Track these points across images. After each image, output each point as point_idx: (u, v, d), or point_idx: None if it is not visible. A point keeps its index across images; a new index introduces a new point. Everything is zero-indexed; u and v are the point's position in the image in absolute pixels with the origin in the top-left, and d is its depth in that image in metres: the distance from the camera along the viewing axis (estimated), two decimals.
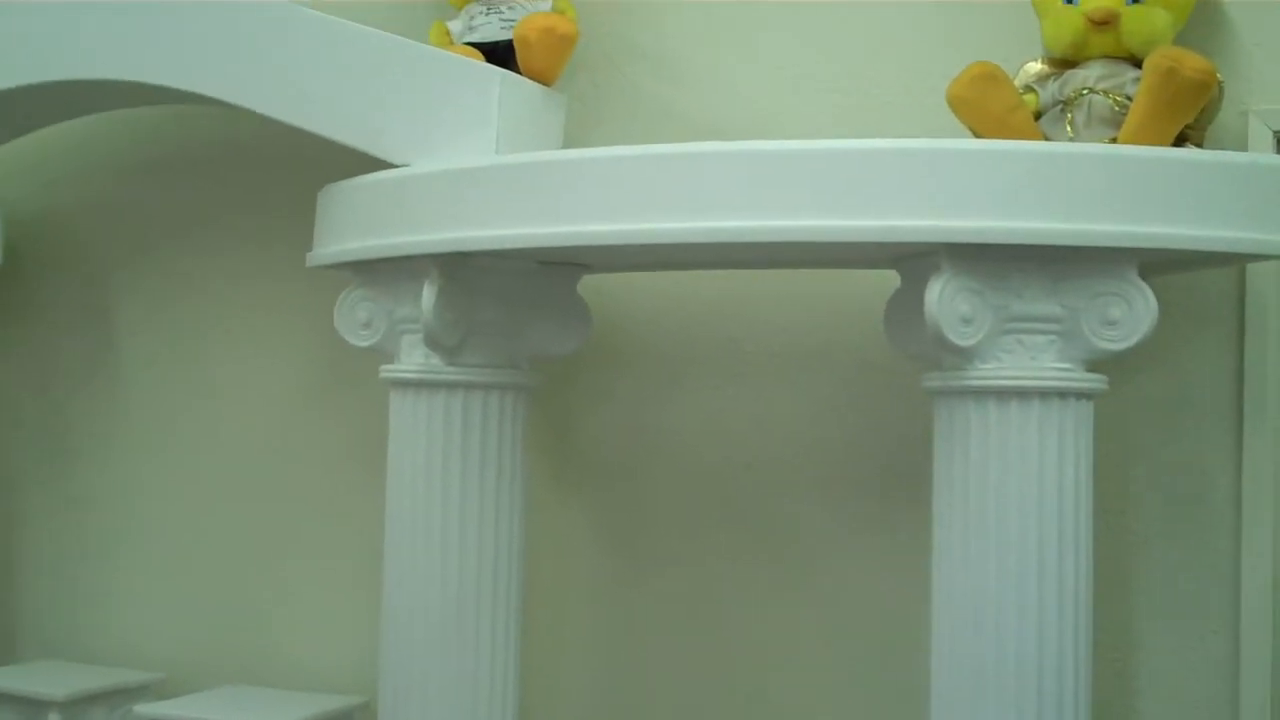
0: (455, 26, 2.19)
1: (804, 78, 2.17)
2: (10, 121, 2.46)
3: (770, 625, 2.15)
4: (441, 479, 1.99)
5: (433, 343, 1.97)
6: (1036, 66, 1.93)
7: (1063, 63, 1.89)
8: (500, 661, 2.01)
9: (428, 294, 1.93)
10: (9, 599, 2.66)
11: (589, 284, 2.10)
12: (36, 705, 2.31)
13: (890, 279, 1.87)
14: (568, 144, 2.16)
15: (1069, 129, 1.85)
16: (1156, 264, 1.75)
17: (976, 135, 1.84)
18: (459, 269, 1.96)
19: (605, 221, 1.80)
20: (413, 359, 2.03)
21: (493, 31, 2.14)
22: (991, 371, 1.71)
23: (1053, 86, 1.89)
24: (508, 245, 1.87)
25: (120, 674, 2.46)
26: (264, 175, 2.47)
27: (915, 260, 1.79)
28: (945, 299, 1.67)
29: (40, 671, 2.46)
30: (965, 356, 1.71)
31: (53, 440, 2.66)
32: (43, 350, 2.68)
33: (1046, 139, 1.85)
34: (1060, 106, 1.87)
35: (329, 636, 2.40)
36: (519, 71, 2.08)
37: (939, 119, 1.86)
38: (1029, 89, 1.90)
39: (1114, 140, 1.79)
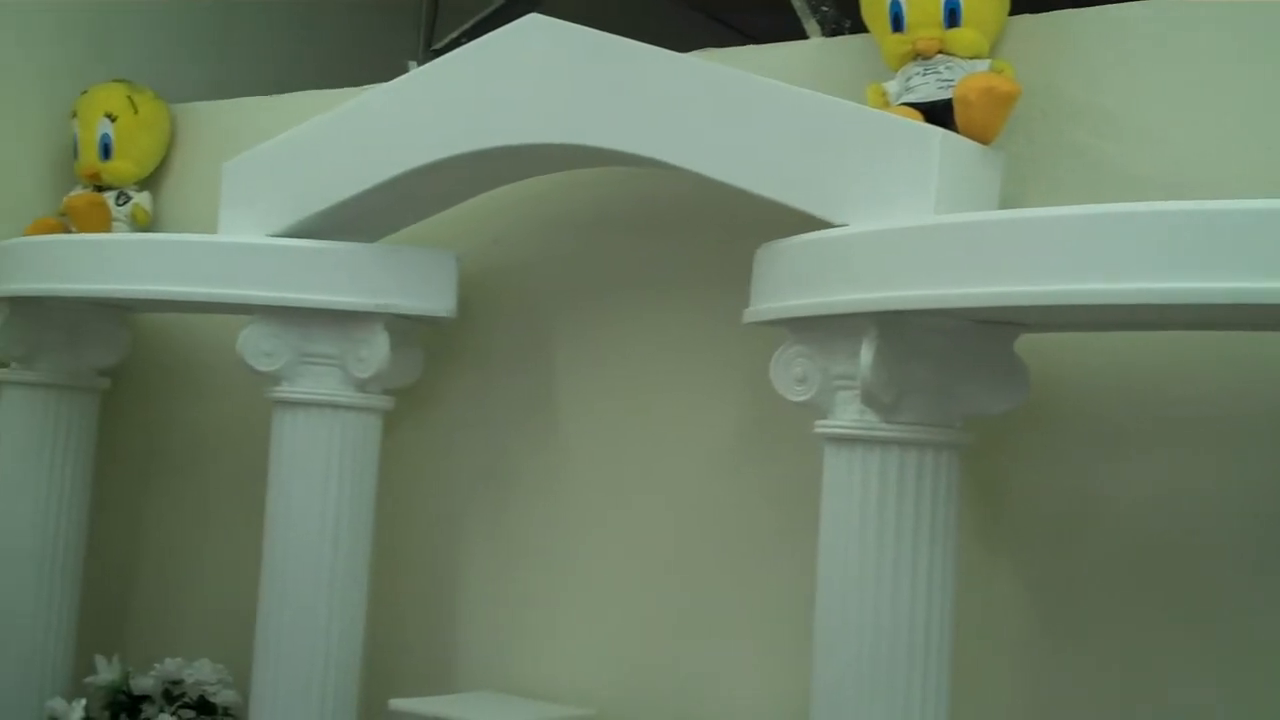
0: (892, 88, 2.22)
1: (1244, 135, 2.08)
2: (463, 185, 2.64)
3: (1199, 701, 2.05)
4: (876, 532, 2.00)
5: (869, 400, 1.99)
6: None
7: None
8: (929, 715, 2.01)
9: (866, 352, 1.96)
10: (451, 631, 2.81)
11: (1027, 342, 2.08)
12: None
13: None
14: (1004, 202, 2.15)
15: None
16: None
17: None
18: (897, 327, 1.98)
19: (1044, 282, 1.78)
20: (848, 415, 2.06)
21: (930, 91, 2.16)
22: None
23: None
24: (947, 305, 1.88)
25: (555, 709, 2.56)
26: (699, 234, 2.54)
27: None
28: None
29: (481, 702, 2.58)
30: None
31: (495, 480, 2.80)
32: (488, 395, 2.83)
33: None
34: None
35: (755, 682, 2.43)
36: (956, 131, 2.09)
37: None
38: None
39: None
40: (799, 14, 2.74)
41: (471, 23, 3.41)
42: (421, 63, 3.15)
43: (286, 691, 2.62)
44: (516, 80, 2.39)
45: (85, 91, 3.20)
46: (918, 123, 2.06)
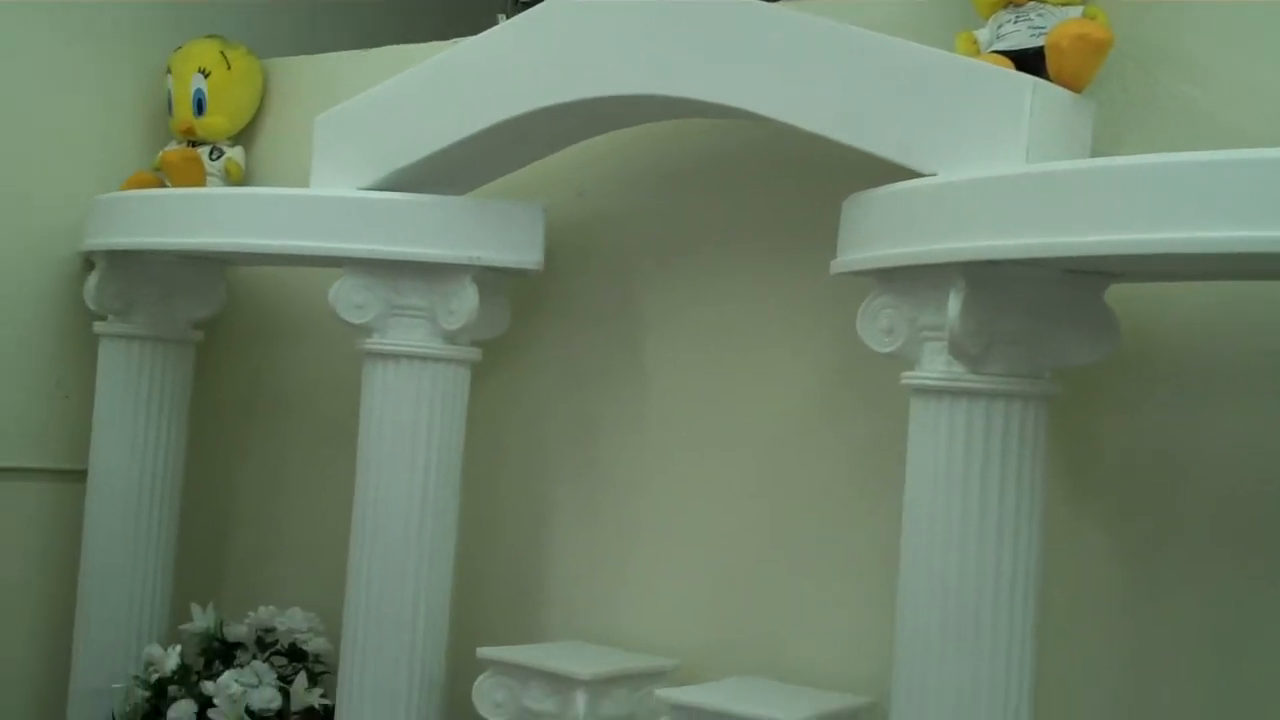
0: (983, 35, 2.20)
1: None
2: (552, 137, 2.65)
3: None
4: (962, 485, 2.00)
5: (957, 351, 1.98)
6: None
7: None
8: (1015, 673, 1.99)
9: (954, 302, 1.95)
10: (541, 582, 2.84)
11: (1116, 293, 2.06)
12: (565, 682, 2.45)
13: None
14: (1096, 151, 2.12)
15: None
16: None
17: None
18: (985, 277, 1.96)
19: (1134, 230, 1.76)
20: (935, 366, 2.05)
21: (1022, 39, 2.14)
22: None
23: None
24: (1037, 254, 1.87)
25: (641, 659, 2.57)
26: (785, 185, 2.54)
27: None
28: None
29: (567, 651, 2.60)
30: None
31: (581, 431, 2.82)
32: (574, 347, 2.84)
33: None
34: None
35: (838, 635, 2.44)
36: (1047, 79, 2.07)
37: None
38: None
39: None
40: None
41: None
42: (509, 16, 3.16)
43: (376, 639, 2.67)
44: (603, 32, 2.39)
45: (179, 48, 3.25)
46: (1009, 70, 2.04)
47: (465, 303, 2.64)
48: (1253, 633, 2.07)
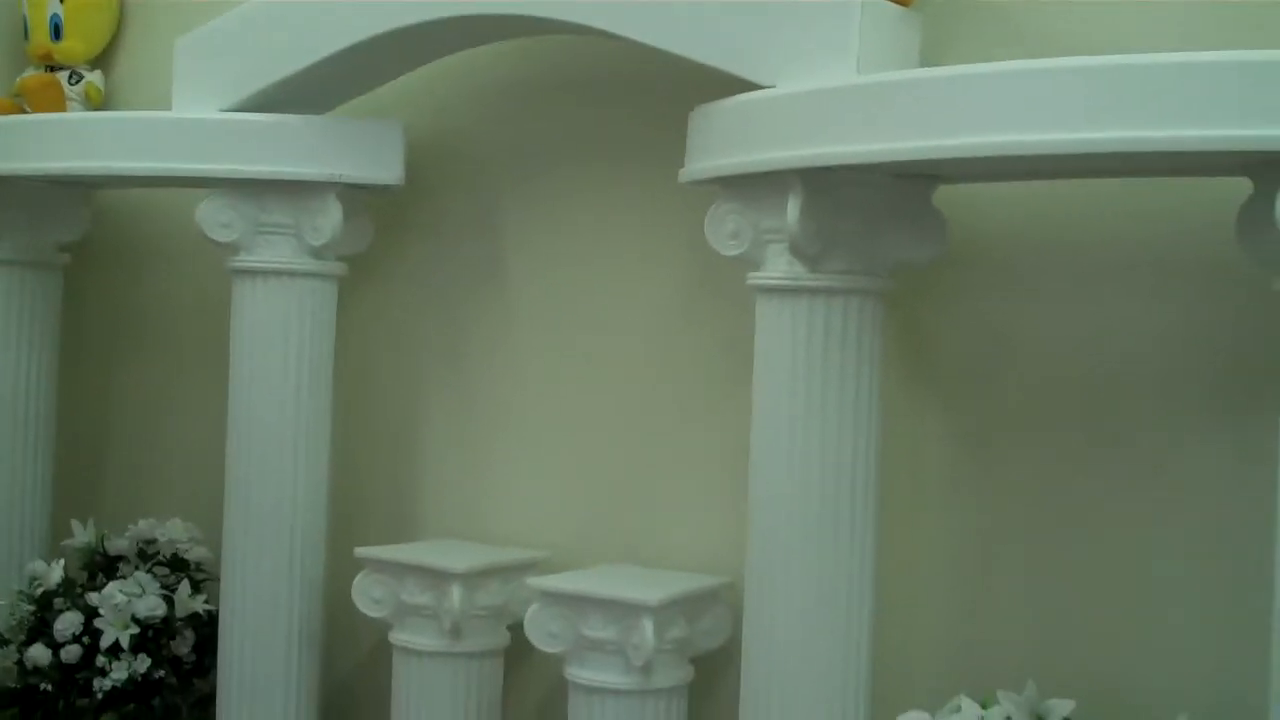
0: None
1: None
2: (411, 55, 2.72)
3: (1116, 527, 2.22)
4: (805, 377, 2.15)
5: (797, 251, 2.12)
6: None
7: None
8: (858, 548, 2.16)
9: (792, 206, 2.09)
10: (415, 485, 2.96)
11: (946, 194, 2.21)
12: (441, 576, 2.58)
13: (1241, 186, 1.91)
14: (925, 60, 2.26)
15: None
16: None
17: None
18: (821, 182, 2.10)
19: (958, 136, 1.91)
20: (778, 266, 2.19)
21: None
22: None
23: None
24: (867, 160, 2.00)
25: (512, 552, 2.71)
26: (638, 100, 2.64)
27: (1265, 167, 1.83)
28: None
29: (442, 548, 2.73)
30: None
31: (448, 341, 2.92)
32: (437, 260, 2.94)
33: None
34: None
35: (697, 523, 2.59)
36: None
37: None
38: None
39: None
40: None
41: None
42: None
43: (256, 546, 2.77)
44: None
45: None
46: None
47: (329, 219, 2.72)
48: (1077, 501, 2.25)
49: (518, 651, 2.63)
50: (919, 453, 2.38)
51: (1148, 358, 2.20)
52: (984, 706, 2.01)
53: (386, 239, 2.93)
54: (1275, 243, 1.78)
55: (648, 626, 2.32)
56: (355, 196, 2.79)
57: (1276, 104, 1.71)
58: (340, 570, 2.80)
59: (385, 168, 2.76)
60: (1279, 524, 1.78)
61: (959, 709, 2.02)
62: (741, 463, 2.25)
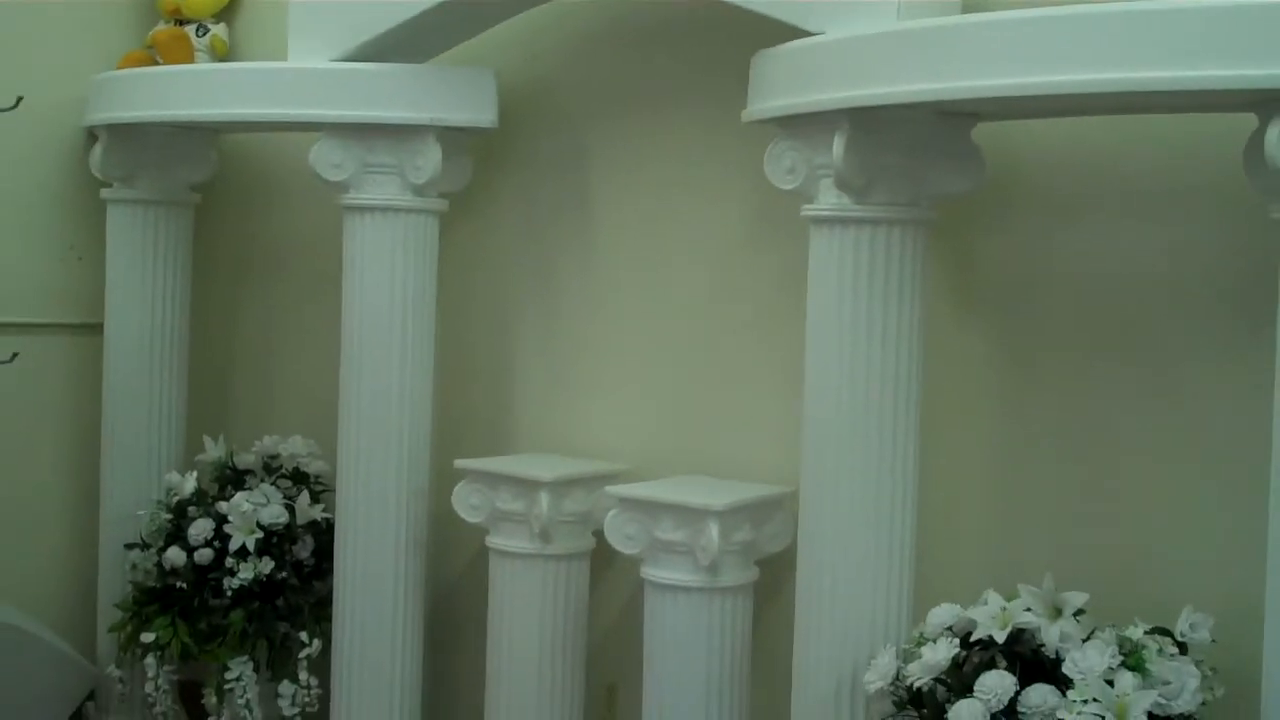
0: None
1: None
2: (500, 8, 2.95)
3: (1136, 438, 2.40)
4: (852, 301, 2.34)
5: (843, 185, 2.32)
6: None
7: None
8: (901, 455, 2.37)
9: (838, 143, 2.28)
10: (509, 403, 3.21)
11: (985, 130, 2.38)
12: (530, 485, 2.83)
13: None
14: (971, 8, 2.43)
15: None
16: None
17: None
18: (867, 121, 2.29)
19: (992, 76, 2.08)
20: (828, 199, 2.39)
21: None
22: None
23: None
24: (907, 99, 2.19)
25: (595, 464, 2.95)
26: (706, 45, 2.85)
27: (1267, 104, 1.98)
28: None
29: (532, 460, 2.98)
30: None
31: (538, 271, 3.17)
32: (528, 196, 3.18)
33: None
34: None
35: (763, 435, 2.80)
36: None
37: None
38: None
39: None
40: None
41: None
42: None
43: (367, 458, 3.05)
44: None
45: None
46: None
47: (430, 159, 2.97)
48: (1108, 419, 2.43)
49: (601, 554, 2.88)
50: (962, 370, 2.56)
51: (1164, 283, 2.36)
52: (1008, 600, 2.20)
53: (482, 177, 3.17)
54: (1272, 174, 1.93)
55: (713, 529, 2.55)
56: (453, 138, 3.03)
57: (1275, 45, 1.86)
58: (443, 480, 3.07)
59: (480, 111, 3.00)
60: (1275, 437, 1.95)
61: (985, 602, 2.22)
62: (800, 380, 2.45)
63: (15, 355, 3.17)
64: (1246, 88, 1.90)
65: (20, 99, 3.25)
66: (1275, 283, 2.01)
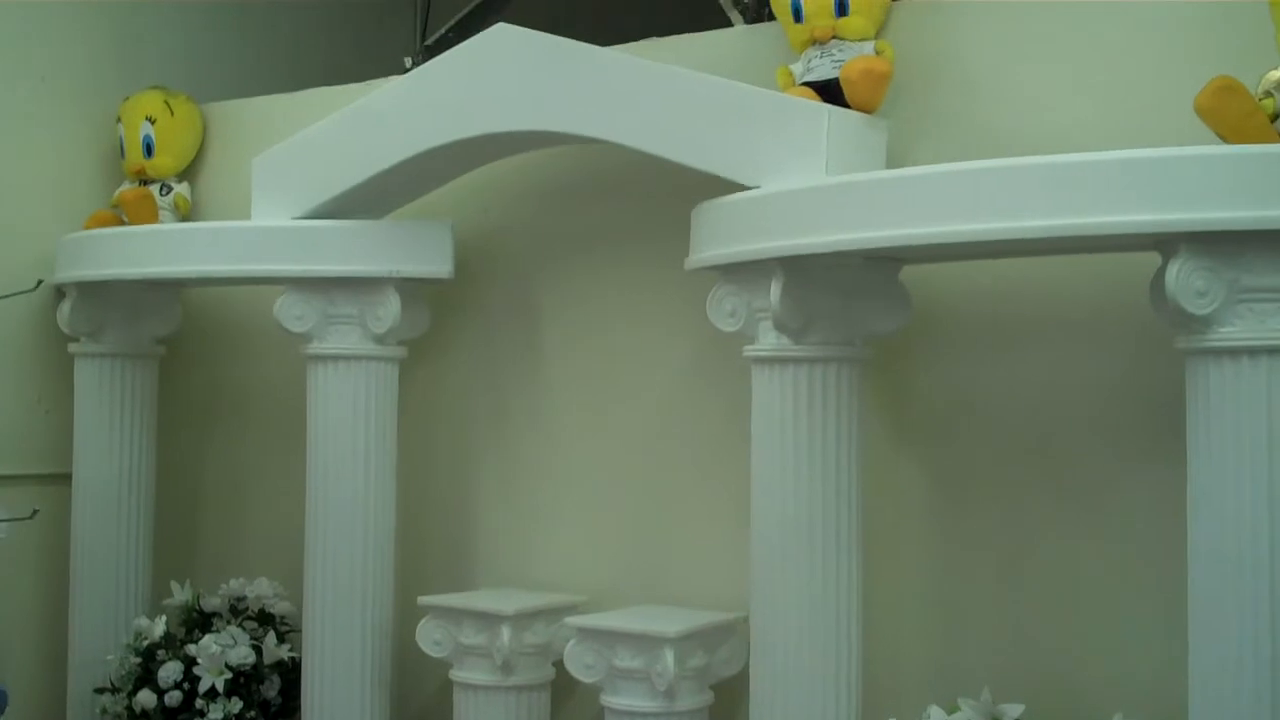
0: (797, 69, 2.68)
1: (1087, 89, 2.55)
2: (453, 165, 3.12)
3: (1062, 552, 2.56)
4: (794, 434, 2.50)
5: (781, 327, 2.48)
6: (1276, 74, 2.22)
7: None
8: (845, 577, 2.51)
9: (775, 289, 2.44)
10: (469, 542, 3.33)
11: (913, 274, 2.56)
12: (493, 619, 2.94)
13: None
14: (896, 159, 2.62)
15: None
16: None
17: (1221, 138, 2.19)
18: (800, 268, 2.46)
19: (915, 225, 2.27)
20: (768, 340, 2.55)
21: (826, 71, 2.62)
22: (1228, 334, 2.09)
23: None
24: (838, 248, 2.37)
25: (553, 597, 3.06)
26: (648, 198, 3.03)
27: (1168, 244, 2.17)
28: (1182, 277, 2.08)
29: (494, 595, 3.09)
30: (1204, 323, 2.10)
31: (496, 411, 3.31)
32: (483, 341, 3.33)
33: None
34: None
35: (714, 564, 2.93)
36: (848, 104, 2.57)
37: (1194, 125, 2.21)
38: (1268, 94, 2.21)
39: None
40: (723, 5, 3.21)
41: (456, 19, 3.87)
42: (415, 57, 3.65)
43: (333, 598, 3.15)
44: (491, 80, 2.87)
45: (128, 98, 3.70)
46: (810, 101, 2.53)
47: (389, 309, 3.12)
48: (1037, 535, 2.60)
49: (562, 683, 2.98)
50: (899, 494, 2.72)
51: (1083, 408, 2.55)
52: (949, 712, 2.34)
53: (440, 324, 3.32)
54: (1174, 308, 2.11)
55: (668, 655, 2.67)
56: (412, 288, 3.18)
57: (1171, 192, 2.06)
58: (406, 617, 3.17)
59: (437, 263, 3.16)
60: (1190, 552, 2.12)
61: (929, 716, 2.35)
62: (747, 508, 2.60)
63: (36, 512, 3.25)
64: (1148, 232, 2.10)
65: (40, 282, 3.43)
66: (1182, 406, 2.17)
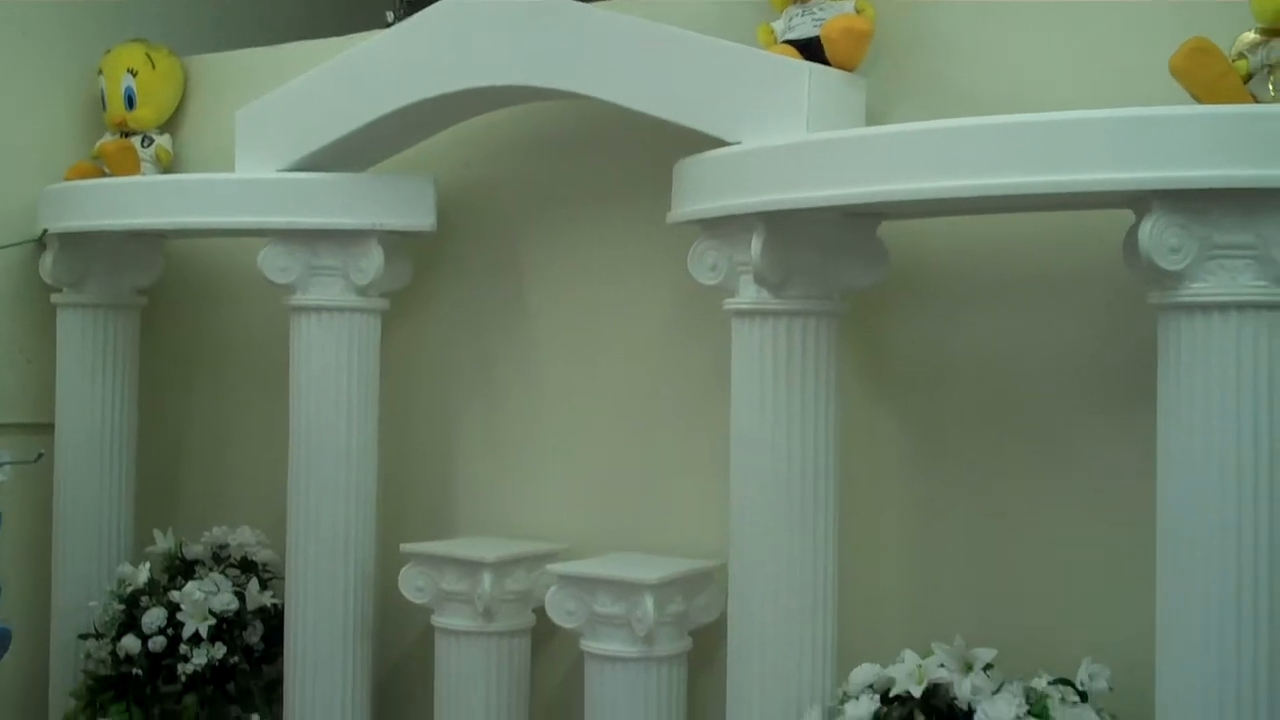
0: (778, 26, 2.71)
1: (1064, 52, 2.59)
2: (437, 119, 3.14)
3: (1032, 503, 2.63)
4: (772, 386, 2.55)
5: (761, 280, 2.53)
6: (1250, 35, 2.29)
7: (1270, 32, 2.27)
8: (821, 526, 2.56)
9: (756, 243, 2.49)
10: (451, 489, 3.38)
11: (891, 229, 2.61)
12: (474, 566, 2.99)
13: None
14: (875, 118, 2.66)
15: (1271, 90, 2.24)
16: None
17: (1195, 98, 2.24)
18: (781, 223, 2.50)
19: (893, 182, 2.32)
20: (748, 294, 2.60)
21: (807, 29, 2.65)
22: (1199, 290, 2.15)
23: (1261, 53, 2.27)
24: (816, 204, 2.41)
25: (535, 544, 3.12)
26: (631, 153, 3.06)
27: (1141, 201, 2.22)
28: (1155, 234, 2.13)
29: (475, 543, 3.14)
30: (1176, 279, 2.16)
31: (477, 363, 3.34)
32: (468, 294, 3.36)
33: (1255, 100, 2.25)
34: (1266, 70, 2.26)
35: (694, 513, 2.99)
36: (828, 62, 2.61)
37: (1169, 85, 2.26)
38: (1241, 56, 2.27)
39: None
40: None
41: None
42: (397, 11, 3.66)
43: (315, 546, 3.19)
44: (473, 34, 2.89)
45: (109, 51, 3.70)
46: (791, 59, 2.57)
47: (372, 261, 3.16)
48: (1012, 487, 2.66)
49: (542, 630, 3.04)
50: (875, 446, 2.78)
51: (1057, 362, 2.61)
52: (923, 657, 2.40)
53: (423, 277, 3.36)
54: (1147, 264, 2.17)
55: (648, 601, 2.73)
56: (395, 241, 3.22)
57: (1145, 151, 2.11)
58: (389, 565, 3.22)
59: (420, 216, 3.20)
60: (1159, 501, 2.19)
61: (903, 660, 2.42)
62: (728, 461, 2.65)
63: (40, 455, 3.29)
64: (1123, 189, 2.15)
65: (46, 230, 3.48)
66: (1154, 359, 2.23)
